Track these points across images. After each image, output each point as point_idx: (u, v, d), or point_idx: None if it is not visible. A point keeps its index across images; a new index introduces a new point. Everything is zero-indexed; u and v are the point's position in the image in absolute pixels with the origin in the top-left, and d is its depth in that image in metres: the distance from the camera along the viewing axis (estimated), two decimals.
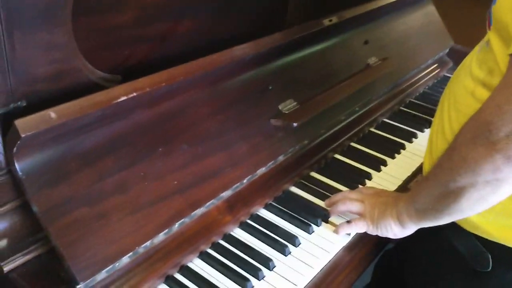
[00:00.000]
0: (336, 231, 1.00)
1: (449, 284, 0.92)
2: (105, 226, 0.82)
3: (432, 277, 0.95)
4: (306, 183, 1.16)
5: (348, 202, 1.02)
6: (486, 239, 0.84)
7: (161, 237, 0.88)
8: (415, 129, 1.40)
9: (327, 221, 1.04)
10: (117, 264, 0.81)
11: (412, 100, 1.58)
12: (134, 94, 0.83)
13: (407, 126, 1.42)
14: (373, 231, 0.97)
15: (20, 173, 0.75)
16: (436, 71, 1.72)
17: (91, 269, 0.79)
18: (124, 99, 0.82)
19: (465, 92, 0.84)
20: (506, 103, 0.66)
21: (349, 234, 1.01)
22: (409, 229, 0.92)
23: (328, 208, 1.06)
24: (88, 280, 0.78)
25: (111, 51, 0.97)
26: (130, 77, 0.87)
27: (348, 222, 1.00)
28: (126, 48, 0.98)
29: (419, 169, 1.24)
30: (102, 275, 0.80)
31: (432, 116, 1.46)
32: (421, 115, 1.49)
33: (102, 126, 0.85)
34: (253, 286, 0.88)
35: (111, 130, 0.86)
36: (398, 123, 1.43)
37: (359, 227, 0.98)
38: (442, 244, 0.91)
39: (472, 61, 0.86)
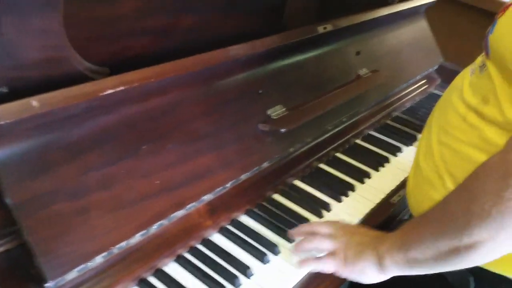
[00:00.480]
0: (299, 265, 0.90)
1: None
2: (83, 223, 0.79)
3: None
4: (289, 191, 1.14)
5: (318, 238, 0.90)
6: None
7: (138, 238, 0.85)
8: (400, 143, 1.39)
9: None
10: (90, 263, 0.78)
11: (398, 114, 1.57)
12: (122, 87, 0.80)
13: (392, 139, 1.42)
14: (344, 273, 0.86)
15: None
16: (424, 87, 1.72)
17: (62, 267, 0.75)
18: (111, 92, 0.79)
19: (457, 115, 0.82)
20: None
21: None
22: (389, 274, 0.83)
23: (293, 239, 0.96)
24: (58, 279, 0.75)
25: (103, 43, 0.94)
26: (121, 72, 0.84)
27: (317, 258, 0.90)
28: (119, 41, 0.95)
29: (403, 183, 1.24)
30: (73, 274, 0.77)
31: (418, 131, 1.48)
32: (407, 129, 1.48)
33: (87, 119, 0.81)
34: None
35: (97, 124, 0.83)
36: (384, 136, 1.43)
37: (328, 267, 0.87)
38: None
39: (464, 84, 0.85)
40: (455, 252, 0.69)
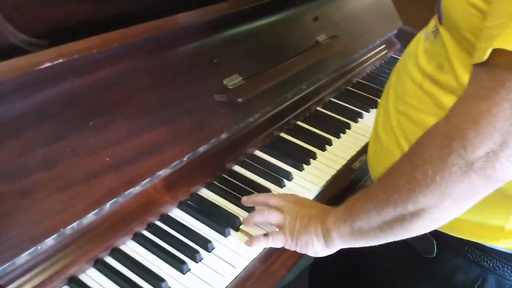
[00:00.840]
0: (248, 243, 0.89)
1: (396, 271, 0.91)
2: (27, 205, 0.75)
3: (377, 263, 0.94)
4: (250, 162, 1.12)
5: (266, 212, 0.90)
6: None
7: (90, 217, 0.82)
8: (361, 109, 1.38)
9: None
10: (40, 246, 0.74)
11: (359, 80, 1.56)
12: (61, 60, 0.75)
13: (353, 106, 1.41)
14: (291, 247, 0.86)
15: None
16: (384, 52, 1.71)
17: (11, 251, 0.72)
18: (49, 65, 0.74)
19: (413, 83, 0.81)
20: (482, 117, 0.58)
21: None
22: (334, 248, 0.82)
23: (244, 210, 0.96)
24: (8, 264, 0.71)
25: (39, 12, 0.88)
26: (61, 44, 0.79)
27: (265, 235, 0.88)
28: (58, 9, 0.89)
29: (364, 148, 1.24)
30: (23, 258, 0.73)
31: (378, 96, 1.47)
32: (367, 95, 1.47)
33: (25, 95, 0.76)
34: (189, 269, 0.84)
35: (36, 100, 0.78)
36: (345, 102, 1.42)
37: (276, 242, 0.87)
38: None
39: (418, 50, 0.83)
40: (400, 220, 0.68)
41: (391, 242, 0.84)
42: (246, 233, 0.92)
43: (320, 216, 0.83)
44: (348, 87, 1.51)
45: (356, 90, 1.50)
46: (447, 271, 0.84)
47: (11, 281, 0.72)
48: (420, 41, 0.85)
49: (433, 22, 0.83)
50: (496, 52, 0.57)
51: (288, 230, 0.86)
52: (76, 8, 0.93)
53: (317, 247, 0.83)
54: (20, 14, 0.81)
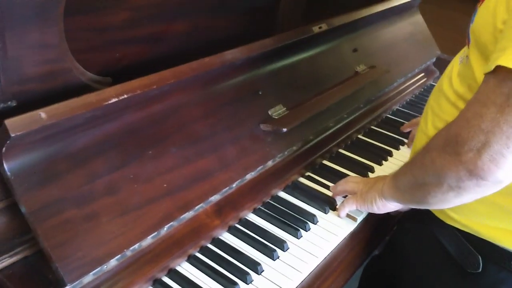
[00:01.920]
0: (338, 214, 1.08)
1: (440, 285, 0.93)
2: (94, 228, 0.81)
3: (423, 278, 0.96)
4: (294, 188, 1.16)
5: (344, 183, 1.10)
6: (476, 237, 0.86)
7: (149, 240, 0.88)
8: (402, 137, 1.41)
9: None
10: (105, 266, 0.81)
11: (399, 108, 1.59)
12: (125, 96, 0.83)
13: (394, 133, 1.43)
14: (361, 206, 1.04)
15: (8, 173, 0.74)
16: (423, 80, 1.74)
17: (79, 271, 0.78)
18: (114, 101, 0.82)
19: (448, 102, 0.88)
20: (473, 118, 0.69)
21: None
22: (389, 205, 0.98)
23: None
24: (76, 282, 0.77)
25: (102, 53, 0.97)
26: (120, 80, 0.87)
27: (342, 201, 1.08)
28: (117, 49, 0.98)
29: None
30: (89, 277, 0.79)
31: None
32: (407, 123, 1.50)
33: (92, 127, 0.84)
34: None
35: (101, 132, 0.86)
36: (386, 130, 1.45)
37: (349, 204, 1.06)
38: (432, 245, 0.92)
39: (453, 72, 0.90)
40: (417, 189, 0.83)
41: (436, 258, 0.91)
42: (295, 255, 0.97)
43: (380, 180, 1.01)
44: (389, 115, 1.54)
45: (396, 118, 1.53)
46: (491, 285, 0.86)
47: None
48: (455, 65, 0.92)
49: (465, 47, 0.88)
50: (498, 68, 0.66)
51: (359, 193, 1.05)
52: (133, 48, 1.02)
53: (379, 203, 1.00)
54: (85, 55, 0.90)
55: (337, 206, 1.11)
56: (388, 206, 0.99)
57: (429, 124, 0.92)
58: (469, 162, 0.69)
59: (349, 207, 1.06)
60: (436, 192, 0.78)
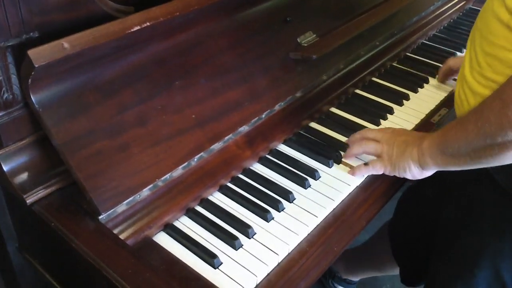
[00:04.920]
0: (352, 173, 0.97)
1: (485, 212, 0.90)
2: (125, 159, 0.82)
3: (467, 208, 0.93)
4: (326, 118, 1.13)
5: (364, 143, 0.98)
6: None
7: (180, 170, 0.88)
8: (438, 63, 1.34)
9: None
10: (138, 196, 0.82)
11: (436, 33, 1.51)
12: (148, 23, 0.80)
13: (431, 60, 1.37)
14: (390, 172, 0.94)
15: (36, 106, 0.74)
16: (462, 3, 1.64)
17: (112, 200, 0.80)
18: (137, 29, 0.79)
19: (500, 23, 0.78)
20: None
21: None
22: (429, 171, 0.90)
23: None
24: (110, 211, 0.79)
25: None
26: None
27: (365, 164, 0.96)
28: None
29: (443, 103, 1.21)
30: (123, 206, 0.81)
31: (457, 49, 1.42)
32: (445, 48, 1.43)
33: (118, 58, 0.83)
34: (273, 217, 0.88)
35: (127, 62, 0.85)
36: (421, 57, 1.38)
37: (376, 169, 0.95)
38: (478, 174, 0.88)
39: None
40: (489, 150, 0.73)
41: (477, 183, 0.87)
42: (326, 183, 0.96)
43: (416, 141, 0.89)
44: (425, 41, 1.46)
45: (433, 44, 1.45)
46: None
47: (114, 227, 0.80)
48: None
49: None
50: None
51: (386, 157, 0.93)
52: None
53: (414, 171, 0.90)
54: None
55: (343, 160, 1.00)
56: (426, 173, 0.91)
57: (478, 48, 0.85)
58: None
59: (375, 172, 0.96)
60: (506, 151, 0.71)
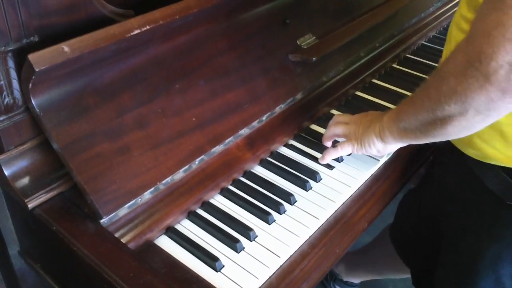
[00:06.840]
0: (322, 159, 1.00)
1: (481, 219, 0.90)
2: (125, 161, 0.82)
3: (463, 212, 0.94)
4: (327, 120, 1.13)
5: (333, 126, 1.01)
6: None
7: (181, 173, 0.88)
8: (438, 63, 1.34)
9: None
10: (139, 199, 0.82)
11: (436, 34, 1.52)
12: (148, 27, 0.80)
13: (431, 61, 1.37)
14: (358, 150, 0.97)
15: (37, 110, 0.74)
16: None
17: (113, 203, 0.79)
18: (137, 32, 0.79)
19: (459, 31, 0.83)
20: (494, 28, 0.60)
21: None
22: (391, 145, 0.92)
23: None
24: (112, 215, 0.79)
25: None
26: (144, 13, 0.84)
27: (334, 146, 1.00)
28: None
29: None
30: (124, 210, 0.81)
31: None
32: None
33: (117, 61, 0.83)
34: (274, 220, 0.88)
35: (127, 66, 0.85)
36: (421, 58, 1.39)
37: (345, 149, 0.98)
38: (471, 179, 0.89)
39: None
40: (433, 124, 0.75)
41: (473, 191, 0.85)
42: (328, 185, 0.95)
43: (378, 118, 0.93)
44: (425, 42, 1.46)
45: (432, 45, 1.45)
46: None
47: (116, 230, 0.80)
48: None
49: None
50: None
51: (353, 136, 0.97)
52: None
53: (378, 145, 0.93)
54: None
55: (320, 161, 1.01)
56: (389, 147, 0.93)
57: (452, 40, 0.86)
58: (502, 80, 0.61)
59: (344, 152, 0.99)
60: (460, 121, 0.70)
